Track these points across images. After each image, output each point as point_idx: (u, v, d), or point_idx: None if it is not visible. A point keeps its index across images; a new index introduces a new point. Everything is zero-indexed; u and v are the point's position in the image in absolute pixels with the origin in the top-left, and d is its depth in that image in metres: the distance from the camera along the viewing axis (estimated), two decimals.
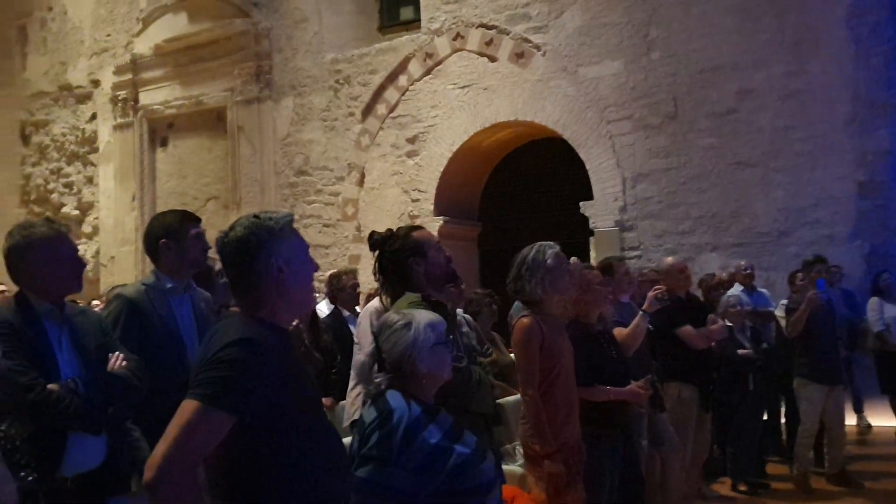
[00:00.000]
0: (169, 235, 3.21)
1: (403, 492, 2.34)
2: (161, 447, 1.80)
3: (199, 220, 3.33)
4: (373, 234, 3.24)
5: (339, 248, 10.71)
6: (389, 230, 3.28)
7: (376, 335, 2.63)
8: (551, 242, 3.68)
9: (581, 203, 9.19)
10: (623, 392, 3.85)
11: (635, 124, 8.88)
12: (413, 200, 10.24)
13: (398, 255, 3.14)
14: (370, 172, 10.57)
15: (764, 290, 7.43)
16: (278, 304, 2.02)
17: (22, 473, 1.67)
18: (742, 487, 6.10)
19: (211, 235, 3.91)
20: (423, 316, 2.56)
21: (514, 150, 10.58)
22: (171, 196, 12.19)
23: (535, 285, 3.55)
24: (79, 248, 10.98)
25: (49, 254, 2.73)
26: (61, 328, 2.73)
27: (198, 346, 3.18)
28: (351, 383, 4.08)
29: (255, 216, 2.05)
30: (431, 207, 10.03)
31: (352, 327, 5.98)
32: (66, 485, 2.56)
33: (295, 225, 2.12)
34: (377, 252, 3.22)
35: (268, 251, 1.99)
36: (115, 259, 12.52)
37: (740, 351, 6.14)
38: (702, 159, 8.54)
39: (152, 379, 3.05)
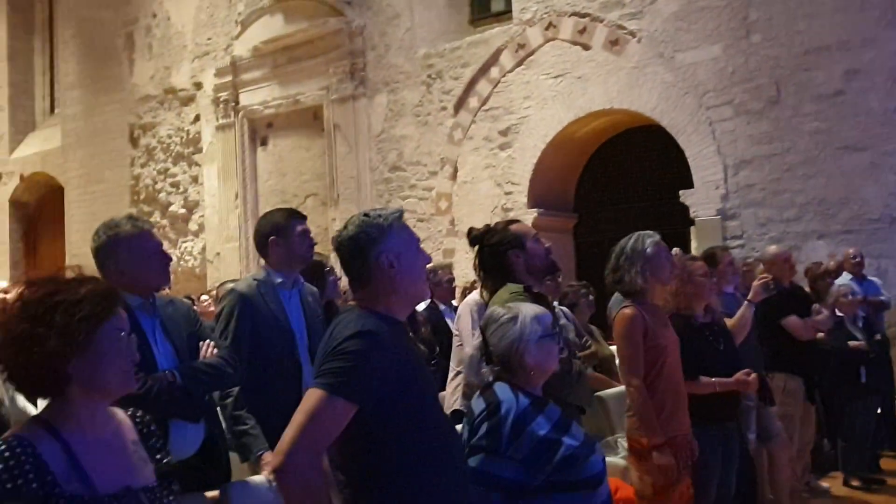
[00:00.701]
0: (277, 233, 3.33)
1: (512, 482, 2.38)
2: (288, 433, 1.92)
3: (304, 217, 3.45)
4: (471, 229, 3.29)
5: (434, 242, 10.81)
6: (487, 225, 3.31)
7: (482, 328, 2.66)
8: (650, 231, 3.63)
9: (681, 192, 8.98)
10: (730, 382, 3.75)
11: (736, 110, 8.62)
12: (506, 193, 10.23)
13: (497, 248, 3.17)
14: (463, 166, 10.62)
15: (875, 279, 7.11)
16: (392, 297, 2.11)
17: (158, 456, 1.78)
18: (854, 483, 5.88)
19: (312, 232, 4.06)
20: (529, 309, 2.59)
21: (609, 139, 10.42)
22: (272, 194, 12.56)
23: (634, 275, 3.51)
24: (186, 245, 11.30)
25: (135, 250, 2.80)
26: (154, 321, 2.83)
27: (306, 338, 3.31)
28: (450, 375, 4.13)
29: (366, 214, 2.16)
30: (525, 200, 10.00)
31: (448, 321, 6.05)
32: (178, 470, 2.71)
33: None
34: (476, 247, 3.26)
35: (378, 248, 2.08)
36: (220, 255, 12.98)
37: (852, 342, 5.91)
38: (807, 144, 8.22)
39: (264, 370, 3.18)
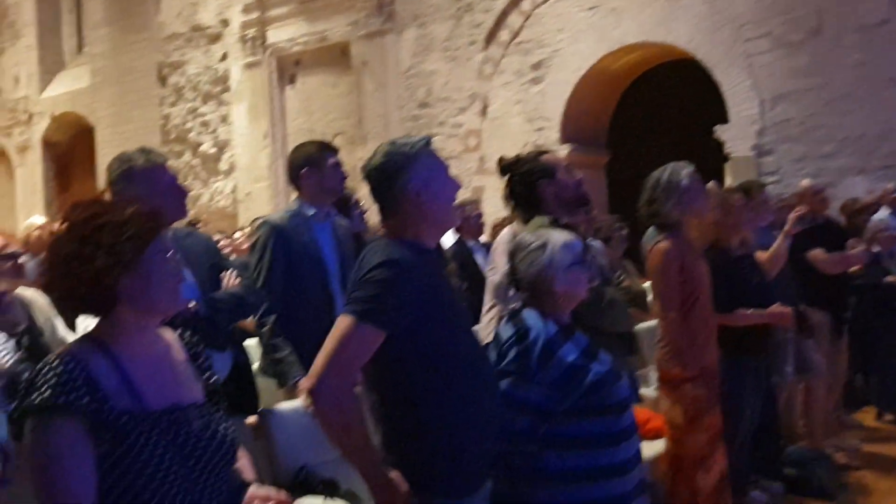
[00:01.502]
0: (310, 164, 3.32)
1: (541, 406, 2.39)
2: (320, 358, 1.95)
3: (336, 149, 3.44)
4: (502, 158, 3.25)
5: (463, 180, 10.75)
6: (518, 155, 3.27)
7: (511, 254, 2.65)
8: (685, 162, 3.56)
9: (715, 127, 8.81)
10: (765, 315, 3.71)
11: (774, 42, 8.37)
12: (537, 129, 10.10)
13: (527, 177, 3.14)
14: (493, 102, 10.48)
15: None
16: (421, 225, 2.10)
17: (205, 375, 1.81)
18: (888, 417, 5.86)
19: (342, 164, 4.04)
20: (559, 236, 2.56)
21: (643, 73, 10.20)
22: (300, 133, 12.51)
23: (670, 207, 3.46)
24: (217, 184, 11.27)
25: (150, 184, 2.75)
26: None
27: (338, 268, 3.32)
28: (485, 308, 4.12)
29: (392, 143, 2.15)
30: (557, 136, 9.87)
31: (477, 257, 6.04)
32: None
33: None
34: (507, 176, 3.23)
35: (405, 176, 2.08)
36: (250, 195, 13.03)
37: (888, 278, 5.82)
38: (848, 77, 7.97)
39: (298, 300, 3.21)
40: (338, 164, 3.38)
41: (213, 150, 13.61)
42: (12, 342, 2.66)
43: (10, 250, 3.34)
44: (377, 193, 2.14)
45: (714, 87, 8.82)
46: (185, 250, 2.83)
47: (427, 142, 2.15)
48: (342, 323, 1.98)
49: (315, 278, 3.23)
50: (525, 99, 10.18)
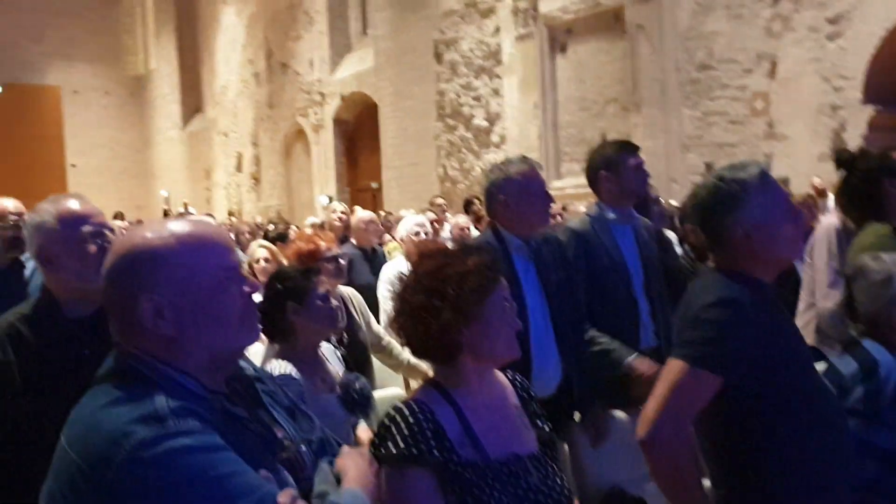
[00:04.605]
0: (608, 167, 3.23)
1: (888, 451, 2.15)
2: (651, 405, 1.86)
3: (636, 149, 3.30)
4: (842, 151, 2.97)
5: (748, 146, 10.06)
6: (861, 148, 2.98)
7: (849, 279, 2.41)
8: None
9: None
10: None
11: None
12: (835, 89, 9.16)
13: (871, 175, 2.83)
14: (783, 61, 9.65)
15: None
16: (755, 260, 1.93)
17: (538, 422, 1.82)
18: None
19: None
20: None
21: None
22: (571, 101, 12.43)
23: None
24: (489, 156, 11.50)
25: (523, 189, 2.90)
26: (528, 264, 2.91)
27: (641, 273, 3.22)
28: (801, 306, 3.81)
29: (720, 178, 1.95)
30: (859, 96, 8.88)
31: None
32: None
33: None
34: (844, 171, 2.95)
35: (733, 217, 1.91)
36: None
37: None
38: None
39: (601, 307, 3.16)
40: (639, 166, 3.25)
41: (484, 124, 13.95)
42: (339, 351, 2.87)
43: (332, 252, 3.61)
44: (703, 227, 2.00)
45: None
46: (539, 260, 2.94)
47: (760, 175, 1.94)
48: (674, 368, 1.86)
49: (618, 285, 3.15)
50: (821, 56, 9.26)
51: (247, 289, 1.36)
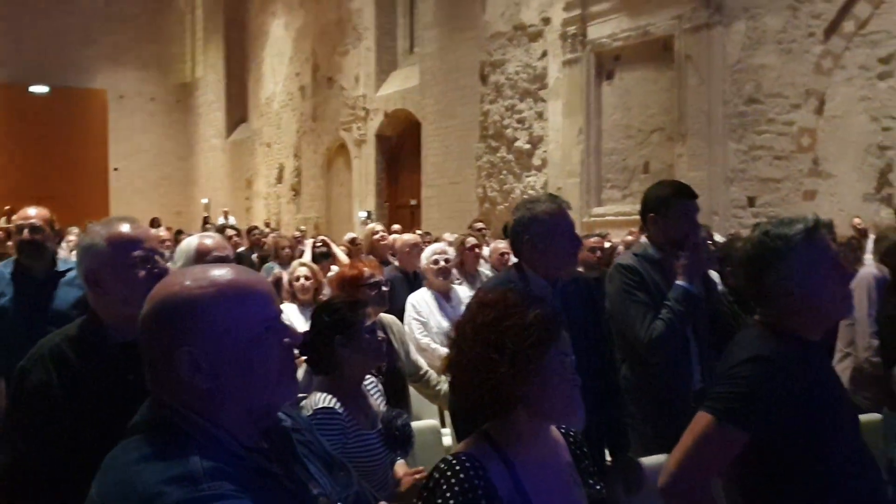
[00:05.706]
0: (657, 210, 3.19)
1: None
2: (675, 455, 1.87)
3: (694, 195, 3.23)
4: None
5: (793, 182, 9.96)
6: None
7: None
8: None
9: None
10: None
11: None
12: (884, 129, 9.04)
13: None
14: (832, 98, 9.55)
15: None
16: (800, 318, 1.91)
17: (591, 481, 1.78)
18: None
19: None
20: None
21: None
22: (616, 129, 12.39)
23: None
24: (529, 179, 11.42)
25: (550, 229, 2.78)
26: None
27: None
28: (837, 356, 3.76)
29: (765, 233, 1.93)
30: None
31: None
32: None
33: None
34: None
35: (776, 273, 1.89)
36: (561, 190, 13.15)
37: None
38: None
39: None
40: (688, 212, 3.18)
41: (527, 146, 13.96)
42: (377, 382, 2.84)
43: (375, 279, 3.63)
44: (747, 283, 1.98)
45: None
46: (566, 301, 2.76)
47: (806, 232, 1.89)
48: (701, 420, 1.85)
49: None
50: (871, 95, 9.16)
51: (287, 340, 1.33)
